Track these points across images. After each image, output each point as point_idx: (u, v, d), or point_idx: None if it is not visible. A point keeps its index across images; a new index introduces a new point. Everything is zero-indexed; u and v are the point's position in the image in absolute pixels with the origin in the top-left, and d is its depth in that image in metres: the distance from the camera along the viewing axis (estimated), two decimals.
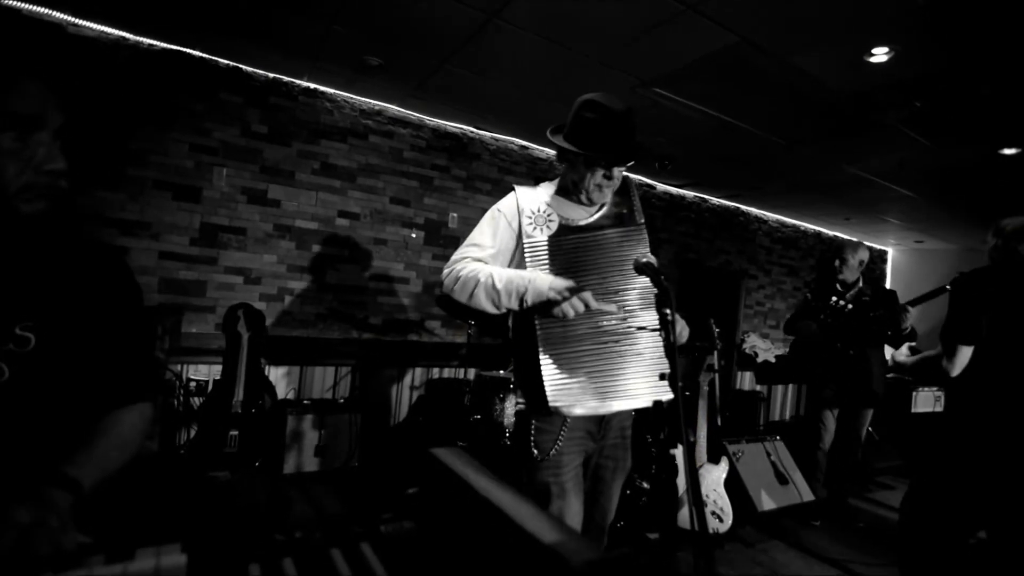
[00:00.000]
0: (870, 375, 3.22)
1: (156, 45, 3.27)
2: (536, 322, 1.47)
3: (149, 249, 3.31)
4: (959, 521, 1.99)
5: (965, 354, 2.02)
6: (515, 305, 1.44)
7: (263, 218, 3.65)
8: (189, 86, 3.38)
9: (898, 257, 7.85)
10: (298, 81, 3.71)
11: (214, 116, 3.46)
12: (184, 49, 3.34)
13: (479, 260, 1.53)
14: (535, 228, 1.55)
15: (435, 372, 4.24)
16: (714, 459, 3.02)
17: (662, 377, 1.28)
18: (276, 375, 3.65)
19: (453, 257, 1.56)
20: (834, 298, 3.07)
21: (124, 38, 3.19)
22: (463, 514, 0.57)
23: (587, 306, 1.38)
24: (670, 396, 1.42)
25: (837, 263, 3.35)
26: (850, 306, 3.01)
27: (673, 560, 2.70)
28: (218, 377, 3.19)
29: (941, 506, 2.00)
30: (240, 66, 3.52)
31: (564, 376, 1.46)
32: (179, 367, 3.36)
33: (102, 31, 3.13)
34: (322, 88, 3.80)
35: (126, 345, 1.01)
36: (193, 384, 3.37)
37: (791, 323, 3.58)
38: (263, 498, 2.84)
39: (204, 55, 3.40)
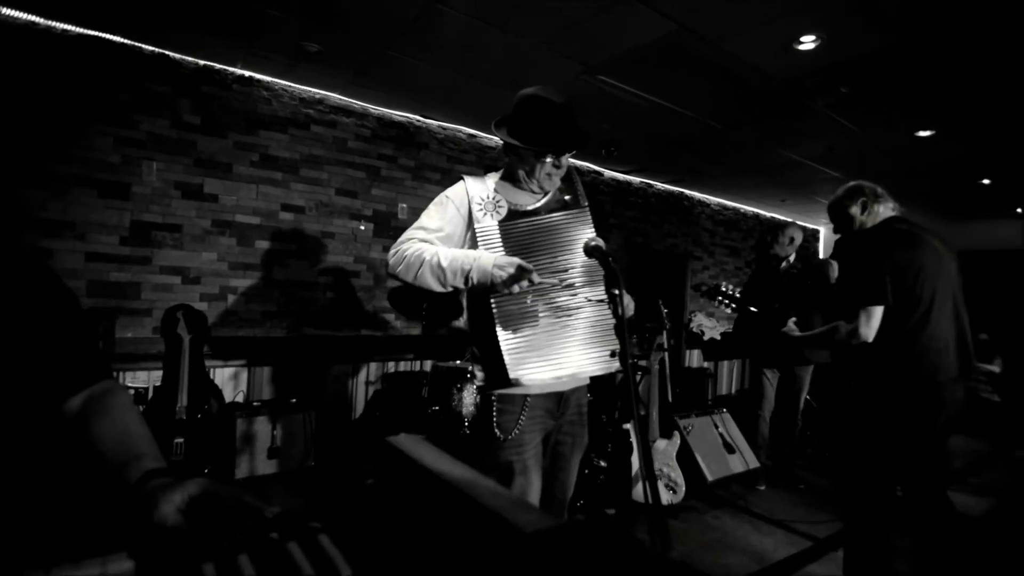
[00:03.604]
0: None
1: (71, 30, 3.03)
2: (491, 300, 1.50)
3: (75, 251, 3.09)
4: (888, 476, 2.08)
5: (878, 315, 1.98)
6: (460, 283, 1.47)
7: (200, 214, 3.48)
8: (111, 75, 3.15)
9: (829, 236, 8.32)
10: (232, 69, 3.53)
11: (141, 107, 3.25)
12: (103, 35, 3.11)
13: (425, 241, 1.54)
14: (485, 214, 1.58)
15: (391, 366, 4.19)
16: (666, 434, 3.14)
17: (613, 355, 1.33)
18: (223, 377, 3.51)
19: (399, 239, 1.57)
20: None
21: (34, 23, 2.94)
22: (421, 495, 0.57)
23: (531, 281, 1.42)
24: (619, 365, 1.48)
25: (770, 240, 3.58)
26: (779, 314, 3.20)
27: (630, 532, 2.79)
28: (159, 383, 3.03)
29: (870, 464, 2.11)
30: (167, 53, 3.32)
31: (521, 349, 1.49)
32: (114, 375, 3.17)
33: (8, 15, 2.87)
34: (258, 76, 3.64)
35: (68, 336, 0.92)
36: (131, 392, 3.19)
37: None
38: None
39: (126, 41, 3.18)
